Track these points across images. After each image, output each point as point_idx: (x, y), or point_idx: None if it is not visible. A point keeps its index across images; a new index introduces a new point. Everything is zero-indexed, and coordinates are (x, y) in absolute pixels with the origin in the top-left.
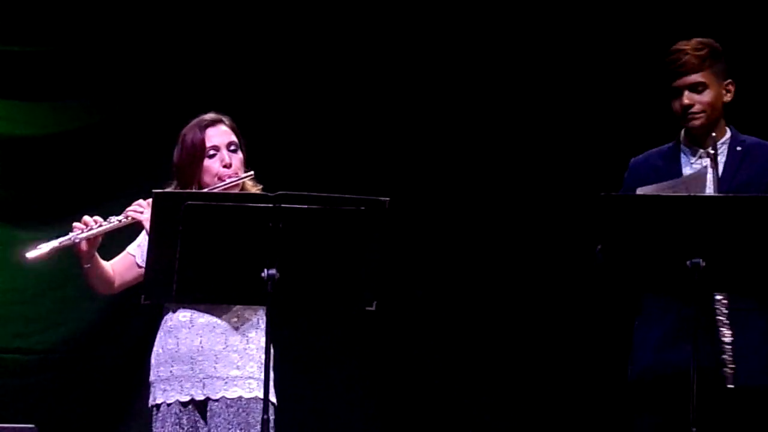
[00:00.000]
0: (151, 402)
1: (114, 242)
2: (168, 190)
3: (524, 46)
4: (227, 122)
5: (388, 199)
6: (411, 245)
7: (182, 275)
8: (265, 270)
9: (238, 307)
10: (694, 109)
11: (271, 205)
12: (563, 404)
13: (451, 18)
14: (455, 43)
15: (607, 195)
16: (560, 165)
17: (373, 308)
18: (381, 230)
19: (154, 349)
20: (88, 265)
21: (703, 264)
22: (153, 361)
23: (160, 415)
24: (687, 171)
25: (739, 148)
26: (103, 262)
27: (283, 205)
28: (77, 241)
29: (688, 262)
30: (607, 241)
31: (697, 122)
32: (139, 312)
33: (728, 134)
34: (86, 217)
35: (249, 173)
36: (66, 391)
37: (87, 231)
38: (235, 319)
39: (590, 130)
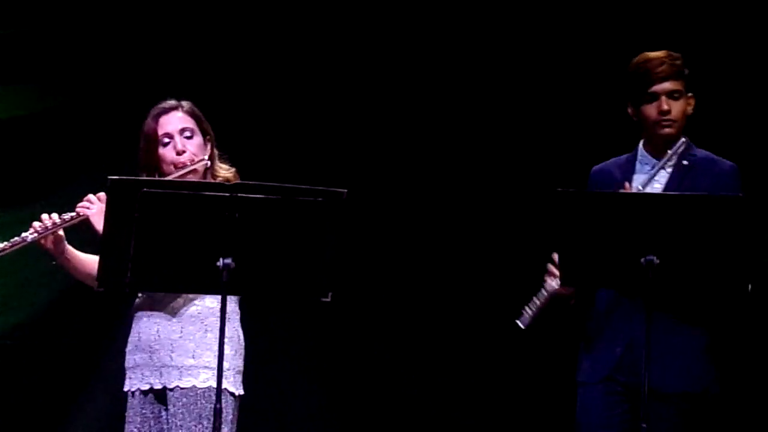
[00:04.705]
0: (124, 388)
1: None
2: (124, 177)
3: (485, 42)
4: (184, 107)
5: (345, 190)
6: (369, 237)
7: (137, 263)
8: (221, 259)
9: (196, 294)
10: (671, 116)
11: (227, 194)
12: (533, 400)
13: (412, 11)
14: (417, 38)
15: (562, 191)
16: (517, 160)
17: (329, 299)
18: (338, 221)
19: (128, 337)
20: (59, 261)
21: (657, 261)
22: (126, 348)
23: (128, 402)
24: (640, 178)
25: (686, 162)
26: (86, 257)
27: (239, 195)
28: (29, 240)
29: (642, 260)
30: (562, 237)
31: (672, 130)
32: (93, 299)
33: (683, 146)
34: (44, 216)
35: (202, 160)
36: (17, 378)
37: (40, 230)
38: (193, 308)
39: (551, 125)
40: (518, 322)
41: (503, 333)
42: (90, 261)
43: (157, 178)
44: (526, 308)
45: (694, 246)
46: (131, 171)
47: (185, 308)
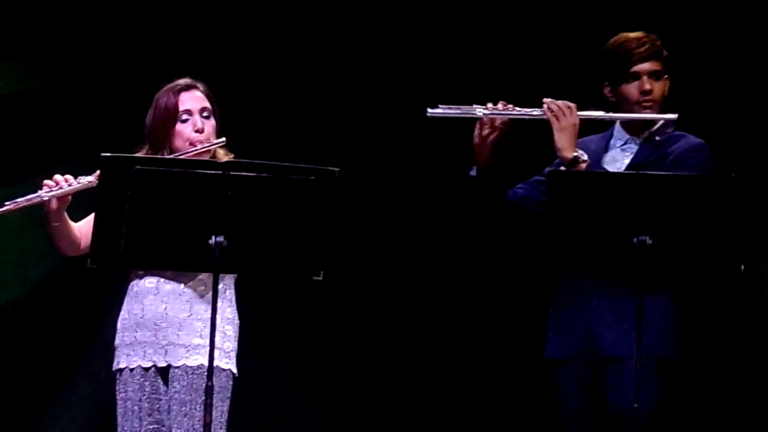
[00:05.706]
0: (114, 366)
1: (81, 204)
2: (117, 154)
3: (468, 27)
4: (202, 88)
5: (338, 169)
6: (361, 216)
7: (129, 240)
8: (213, 237)
9: (205, 274)
10: (652, 96)
11: (220, 172)
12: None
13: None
14: (405, 21)
15: (555, 171)
16: (512, 142)
17: (320, 278)
18: (330, 200)
19: (121, 314)
20: (57, 224)
21: (650, 242)
22: (119, 325)
23: (122, 379)
24: (612, 153)
25: (658, 138)
26: (71, 223)
27: (232, 173)
28: (45, 198)
29: (634, 240)
30: (555, 217)
31: (652, 110)
32: (86, 277)
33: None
34: (57, 176)
35: (221, 140)
36: (8, 355)
37: (56, 189)
38: (202, 287)
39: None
40: (428, 108)
41: (495, 316)
42: (75, 229)
43: (165, 152)
44: (446, 107)
45: (687, 226)
46: (127, 147)
47: (194, 288)
